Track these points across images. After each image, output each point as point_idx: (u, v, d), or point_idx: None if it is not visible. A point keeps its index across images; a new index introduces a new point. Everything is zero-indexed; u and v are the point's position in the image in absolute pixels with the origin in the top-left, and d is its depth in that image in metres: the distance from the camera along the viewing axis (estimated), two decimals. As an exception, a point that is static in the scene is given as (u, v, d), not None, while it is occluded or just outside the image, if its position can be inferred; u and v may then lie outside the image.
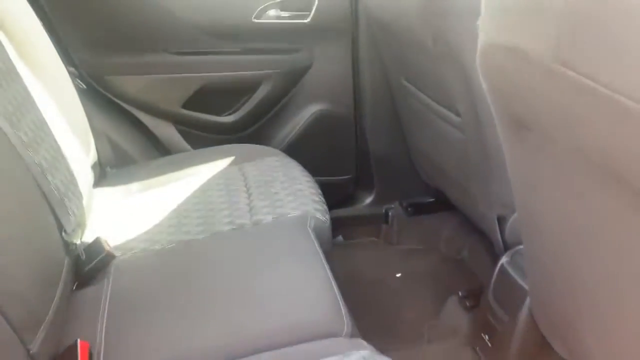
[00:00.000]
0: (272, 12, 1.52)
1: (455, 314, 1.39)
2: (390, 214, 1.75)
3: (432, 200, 1.73)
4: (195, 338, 0.85)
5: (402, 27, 1.20)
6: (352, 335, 0.86)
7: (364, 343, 0.85)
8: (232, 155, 1.41)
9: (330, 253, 1.12)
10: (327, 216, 1.20)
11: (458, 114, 1.15)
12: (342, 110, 1.66)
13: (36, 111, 1.09)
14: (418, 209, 1.73)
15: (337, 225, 1.63)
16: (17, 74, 1.09)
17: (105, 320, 0.91)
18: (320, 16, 1.53)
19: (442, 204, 1.63)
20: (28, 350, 0.77)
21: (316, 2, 1.52)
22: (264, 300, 0.92)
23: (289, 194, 1.23)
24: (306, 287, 0.95)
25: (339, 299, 0.91)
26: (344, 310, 0.90)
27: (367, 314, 1.16)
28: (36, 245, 0.90)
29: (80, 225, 1.07)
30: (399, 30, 1.24)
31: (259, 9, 1.50)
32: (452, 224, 1.68)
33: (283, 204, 1.19)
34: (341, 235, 1.73)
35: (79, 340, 0.82)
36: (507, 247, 1.18)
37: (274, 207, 1.18)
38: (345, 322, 0.87)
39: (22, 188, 0.92)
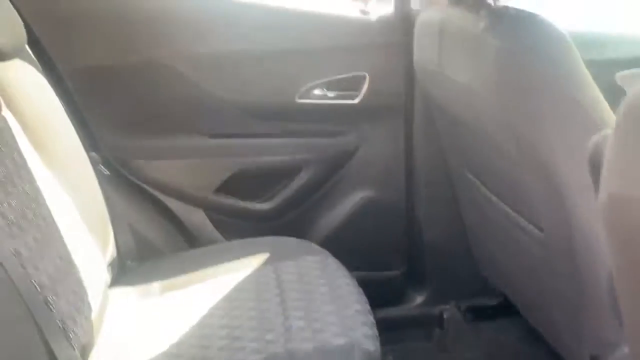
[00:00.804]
0: (317, 92, 1.38)
1: None
2: (445, 316, 1.53)
3: (494, 303, 1.50)
4: None
5: (473, 123, 1.03)
6: None
7: None
8: (266, 252, 1.24)
9: None
10: (378, 344, 1.00)
11: (541, 229, 0.94)
12: (392, 197, 1.49)
13: (45, 215, 0.95)
14: (478, 313, 1.51)
15: (383, 327, 1.41)
16: (27, 171, 0.96)
17: None
18: (370, 96, 1.38)
19: (507, 308, 1.41)
20: None
21: (366, 81, 1.37)
22: None
23: (332, 312, 1.03)
24: None
25: None
26: None
27: None
28: None
29: (89, 337, 0.91)
30: (467, 124, 1.06)
31: (303, 88, 1.36)
32: (517, 335, 1.44)
33: (325, 326, 0.99)
34: (392, 357, 1.51)
35: None
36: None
37: (314, 332, 0.98)
38: None
39: (20, 314, 0.77)
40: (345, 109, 1.40)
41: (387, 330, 1.50)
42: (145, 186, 1.38)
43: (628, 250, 0.55)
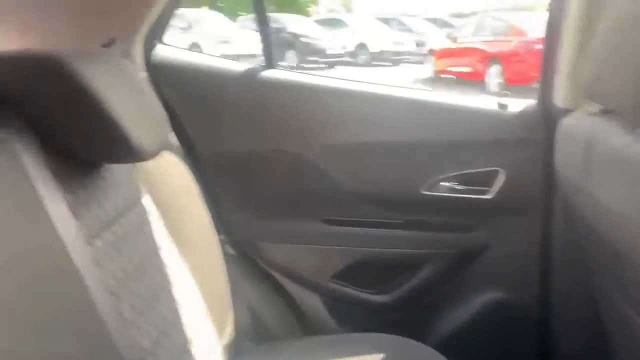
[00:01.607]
0: (445, 184, 1.32)
1: None
2: None
3: None
4: None
5: (626, 252, 0.90)
6: None
7: None
8: (380, 352, 1.18)
9: None
10: None
11: None
12: (524, 303, 1.35)
13: (170, 304, 0.99)
14: None
15: None
16: (159, 258, 1.02)
17: None
18: (504, 192, 1.29)
19: None
20: None
21: (501, 177, 1.28)
22: None
23: None
24: None
25: None
26: None
27: None
28: None
29: None
30: (618, 250, 0.93)
31: (430, 180, 1.31)
32: None
33: None
34: None
35: None
36: None
37: None
38: None
39: None
40: (476, 204, 1.31)
41: None
42: (266, 268, 1.41)
43: None
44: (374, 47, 11.14)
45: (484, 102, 1.33)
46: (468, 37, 8.58)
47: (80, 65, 0.72)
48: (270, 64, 1.31)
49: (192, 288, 1.11)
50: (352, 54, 11.02)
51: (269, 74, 1.31)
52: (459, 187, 1.32)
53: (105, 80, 0.76)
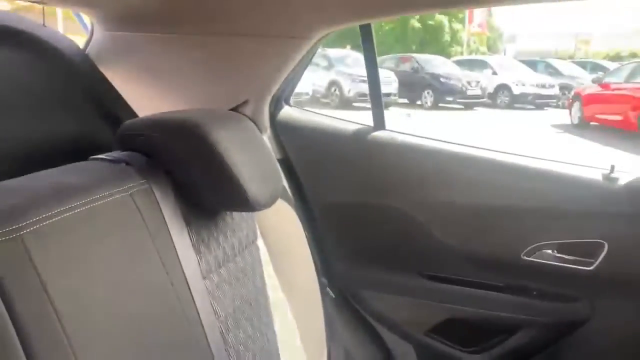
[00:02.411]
0: (547, 252, 1.32)
1: None
2: None
3: None
4: None
5: None
6: None
7: None
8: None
9: None
10: None
11: None
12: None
13: (271, 336, 1.12)
14: None
15: None
16: (265, 297, 1.16)
17: None
18: (608, 265, 1.25)
19: None
20: None
21: (605, 249, 1.25)
22: None
23: None
24: None
25: None
26: None
27: None
28: None
29: None
30: None
31: (531, 246, 1.32)
32: None
33: None
34: None
35: None
36: None
37: None
38: None
39: None
40: (578, 275, 1.29)
41: None
42: (364, 314, 1.50)
43: None
44: (516, 90, 10.78)
45: (593, 172, 1.31)
46: (621, 82, 7.97)
47: (211, 128, 0.90)
48: (379, 125, 1.43)
49: (290, 326, 1.24)
50: (491, 96, 10.75)
51: (377, 134, 1.43)
52: (562, 256, 1.31)
53: (230, 141, 0.92)
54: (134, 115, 1.20)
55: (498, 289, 1.38)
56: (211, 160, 0.89)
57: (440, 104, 10.09)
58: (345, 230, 1.49)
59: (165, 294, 0.85)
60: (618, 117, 7.54)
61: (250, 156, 0.96)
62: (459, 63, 11.64)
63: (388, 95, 8.70)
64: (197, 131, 0.88)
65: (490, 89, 10.79)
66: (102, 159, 0.87)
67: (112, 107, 1.19)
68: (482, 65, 11.56)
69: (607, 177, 1.27)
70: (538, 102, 10.53)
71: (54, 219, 0.67)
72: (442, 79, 10.37)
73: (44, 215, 0.66)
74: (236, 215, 1.09)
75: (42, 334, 0.63)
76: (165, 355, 0.81)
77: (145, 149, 0.90)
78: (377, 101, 1.44)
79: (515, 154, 1.41)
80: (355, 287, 1.50)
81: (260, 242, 1.22)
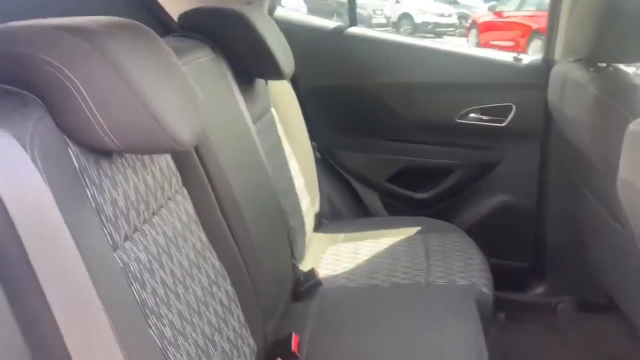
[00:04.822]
0: (473, 115, 1.84)
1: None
2: (559, 307, 1.86)
3: (603, 302, 1.79)
4: (371, 351, 1.16)
5: (584, 148, 1.40)
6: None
7: None
8: (419, 226, 1.72)
9: (490, 326, 1.32)
10: (492, 292, 1.42)
11: (622, 225, 1.29)
12: (525, 204, 1.87)
13: (289, 172, 1.56)
14: (587, 308, 1.81)
15: (504, 305, 1.81)
16: (281, 148, 1.58)
17: (310, 329, 1.27)
18: (515, 122, 1.80)
19: (613, 307, 1.69)
20: (265, 332, 1.16)
21: (513, 111, 1.79)
22: (422, 336, 1.20)
23: (462, 265, 1.48)
24: (457, 334, 1.19)
25: (484, 348, 1.14)
26: (486, 355, 1.12)
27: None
28: (279, 260, 1.32)
29: (303, 256, 1.49)
30: (579, 149, 1.44)
31: (463, 111, 1.83)
32: (619, 329, 1.71)
33: (454, 272, 1.45)
34: (504, 314, 1.88)
35: (293, 334, 1.19)
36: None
37: (446, 274, 1.44)
38: None
39: (275, 222, 1.37)
40: (494, 130, 1.83)
41: (508, 309, 1.89)
42: (340, 170, 1.97)
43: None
44: (417, 18, 11.39)
45: (506, 55, 1.83)
46: (513, 11, 8.81)
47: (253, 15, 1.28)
48: (353, 22, 1.85)
49: (296, 171, 1.67)
50: (395, 25, 11.30)
51: (351, 30, 1.85)
52: (483, 117, 1.84)
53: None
54: None
55: (439, 144, 1.89)
56: (253, 39, 1.29)
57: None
58: (327, 107, 1.92)
59: (226, 127, 1.25)
60: (510, 43, 8.38)
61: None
62: (365, -8, 11.97)
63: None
64: (243, 18, 1.28)
65: (394, 18, 11.34)
66: None
67: None
68: (386, -6, 11.97)
69: (516, 59, 1.79)
70: (438, 30, 11.20)
71: None
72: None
73: None
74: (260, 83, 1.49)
75: None
76: None
77: None
78: (352, 4, 1.85)
79: (450, 45, 1.89)
80: (333, 148, 1.96)
81: (273, 110, 1.62)
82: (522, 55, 1.80)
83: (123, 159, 0.80)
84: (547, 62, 1.72)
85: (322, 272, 1.50)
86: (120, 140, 0.70)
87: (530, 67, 1.78)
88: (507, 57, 1.81)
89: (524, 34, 8.19)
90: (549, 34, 1.73)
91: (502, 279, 1.55)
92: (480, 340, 1.19)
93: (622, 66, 1.32)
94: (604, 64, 1.30)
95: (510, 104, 1.80)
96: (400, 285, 1.42)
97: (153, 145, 0.73)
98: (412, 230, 1.70)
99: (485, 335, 1.22)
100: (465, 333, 1.22)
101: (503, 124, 1.81)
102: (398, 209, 1.96)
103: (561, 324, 1.85)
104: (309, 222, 1.63)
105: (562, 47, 1.65)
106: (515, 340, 1.82)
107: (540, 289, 1.91)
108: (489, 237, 1.79)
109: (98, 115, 0.67)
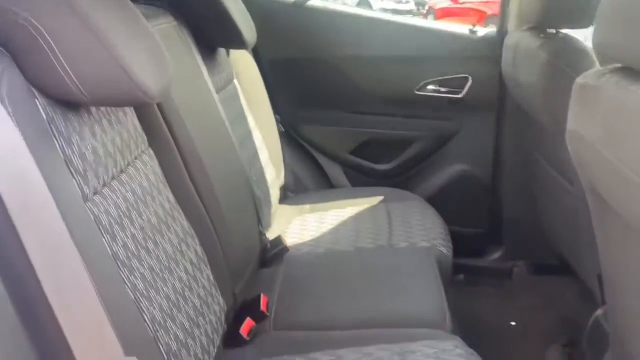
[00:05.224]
0: (431, 87, 1.89)
1: (555, 358, 1.55)
2: (514, 271, 1.95)
3: (556, 263, 1.88)
4: (338, 311, 1.20)
5: (536, 113, 1.47)
6: (452, 332, 1.14)
7: (459, 339, 1.10)
8: (381, 195, 1.77)
9: (450, 282, 1.39)
10: (450, 252, 1.48)
11: (571, 182, 1.37)
12: (481, 173, 1.94)
13: (254, 143, 1.57)
14: (541, 270, 1.90)
15: (463, 270, 1.88)
16: (245, 119, 1.59)
17: (278, 291, 1.30)
18: (471, 93, 1.86)
19: (565, 268, 1.79)
20: (234, 292, 1.18)
21: (469, 82, 1.85)
22: (386, 294, 1.24)
23: (422, 229, 1.54)
24: (420, 292, 1.25)
25: (446, 304, 1.19)
26: (448, 313, 1.18)
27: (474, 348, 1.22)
28: (246, 226, 1.34)
29: (269, 224, 1.51)
30: (531, 114, 1.51)
31: (421, 83, 1.88)
32: (572, 289, 1.81)
33: (415, 235, 1.51)
34: (463, 275, 1.95)
35: (262, 294, 1.22)
36: (604, 302, 1.34)
37: (407, 237, 1.50)
38: (447, 320, 1.15)
39: (241, 190, 1.38)
40: (451, 101, 1.89)
41: (467, 273, 1.96)
42: (303, 143, 2.00)
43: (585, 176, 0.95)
44: (375, 5, 11.46)
45: (462, 28, 1.88)
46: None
47: None
48: (313, -4, 1.87)
49: (262, 143, 1.69)
50: (353, 11, 11.33)
51: (312, 3, 1.87)
52: (441, 89, 1.89)
53: None
54: None
55: (399, 116, 1.94)
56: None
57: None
58: (289, 80, 1.94)
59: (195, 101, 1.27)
60: (465, 28, 8.57)
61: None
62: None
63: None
64: None
65: (353, 4, 11.38)
66: None
67: None
68: (344, -20, 12.00)
69: (471, 31, 1.85)
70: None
71: None
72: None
73: None
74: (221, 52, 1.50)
75: None
76: None
77: None
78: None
79: (408, 19, 1.94)
80: (296, 121, 1.98)
81: (235, 81, 1.63)
82: (477, 28, 1.85)
83: (90, 115, 0.80)
84: (501, 35, 1.79)
85: (289, 241, 1.53)
86: (88, 91, 0.70)
87: (486, 39, 1.84)
88: (463, 29, 1.87)
89: (479, 19, 8.36)
90: (502, 7, 1.79)
91: (460, 245, 1.61)
92: (442, 297, 1.25)
93: (571, 33, 1.39)
94: (553, 30, 1.37)
95: (467, 75, 1.86)
96: (364, 250, 1.46)
97: (121, 96, 0.74)
98: (375, 200, 1.74)
99: (446, 295, 1.27)
100: (429, 292, 1.27)
101: (460, 95, 1.87)
102: (361, 180, 2.01)
103: (516, 287, 1.94)
104: (274, 193, 1.65)
105: (515, 19, 1.71)
106: (472, 303, 1.89)
107: (496, 254, 1.99)
108: (448, 205, 1.85)
109: (66, 66, 0.68)
